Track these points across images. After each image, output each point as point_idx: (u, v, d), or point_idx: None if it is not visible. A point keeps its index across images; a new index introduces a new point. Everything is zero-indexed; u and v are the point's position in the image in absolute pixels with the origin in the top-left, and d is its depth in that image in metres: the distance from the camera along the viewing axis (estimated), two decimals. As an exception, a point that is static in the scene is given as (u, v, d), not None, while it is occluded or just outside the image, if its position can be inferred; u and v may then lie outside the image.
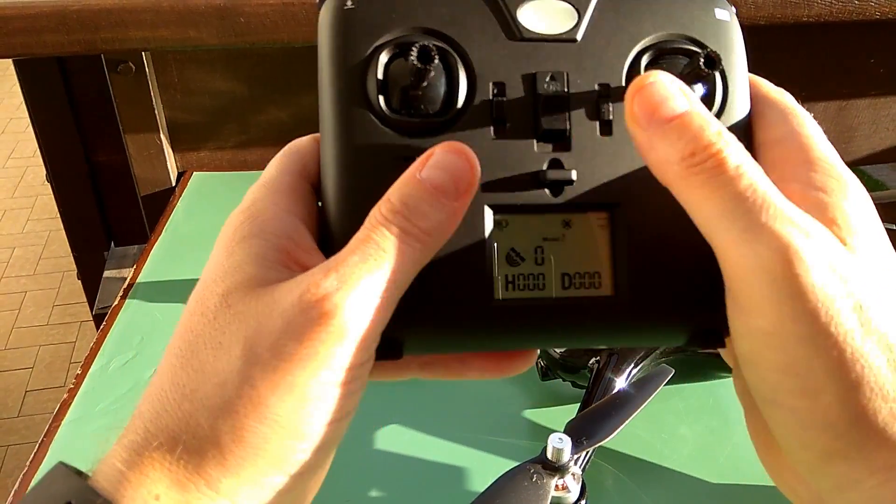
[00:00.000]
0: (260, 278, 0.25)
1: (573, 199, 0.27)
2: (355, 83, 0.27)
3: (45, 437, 0.56)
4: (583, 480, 0.45)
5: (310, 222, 0.27)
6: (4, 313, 2.11)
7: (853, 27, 0.86)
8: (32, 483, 0.24)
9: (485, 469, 0.52)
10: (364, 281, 0.24)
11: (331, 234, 0.27)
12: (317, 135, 0.28)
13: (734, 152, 0.24)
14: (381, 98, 0.27)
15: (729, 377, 0.59)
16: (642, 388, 0.49)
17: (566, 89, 0.27)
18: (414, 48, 0.25)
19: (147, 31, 0.75)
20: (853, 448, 0.23)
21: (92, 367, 0.62)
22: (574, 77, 0.27)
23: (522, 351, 0.30)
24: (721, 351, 0.29)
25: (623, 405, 0.48)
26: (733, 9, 0.30)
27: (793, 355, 0.23)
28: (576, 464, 0.45)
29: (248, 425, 0.23)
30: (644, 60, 0.28)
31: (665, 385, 0.49)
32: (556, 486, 0.44)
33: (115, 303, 0.70)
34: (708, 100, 0.28)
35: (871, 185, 1.03)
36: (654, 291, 0.27)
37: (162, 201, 0.91)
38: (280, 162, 0.28)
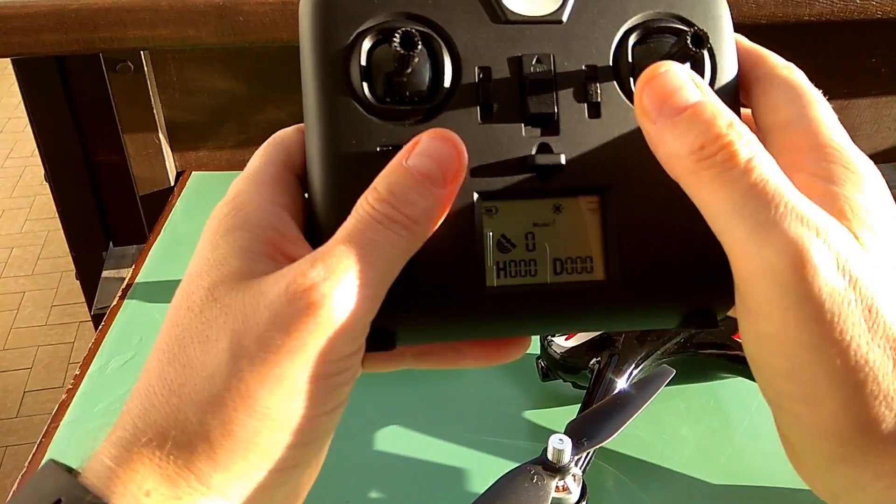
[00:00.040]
0: (246, 271, 0.24)
1: (563, 184, 0.27)
2: (338, 71, 0.26)
3: (43, 437, 0.55)
4: (583, 481, 0.45)
5: (296, 213, 0.27)
6: (3, 313, 2.11)
7: (855, 26, 0.86)
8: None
9: (485, 470, 0.52)
10: (352, 270, 0.23)
11: (318, 224, 0.26)
12: (301, 125, 0.28)
13: (746, 145, 0.23)
14: (364, 85, 0.26)
15: (730, 378, 0.59)
16: (643, 388, 0.49)
17: (553, 72, 0.27)
18: (397, 34, 0.24)
19: (146, 31, 0.74)
20: (858, 454, 0.23)
21: (90, 367, 0.62)
22: (560, 59, 0.27)
23: (516, 338, 0.30)
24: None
25: (624, 406, 0.48)
26: None
27: (796, 362, 0.23)
28: (576, 465, 0.45)
29: (238, 419, 0.23)
30: (631, 40, 0.28)
31: (666, 386, 0.49)
32: (557, 487, 0.44)
33: (114, 303, 0.70)
34: None
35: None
36: (647, 274, 0.27)
37: (161, 201, 0.91)
38: (264, 153, 0.28)
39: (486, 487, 0.43)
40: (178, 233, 0.81)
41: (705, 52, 0.27)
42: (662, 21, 0.28)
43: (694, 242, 0.26)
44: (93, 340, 0.65)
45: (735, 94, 0.28)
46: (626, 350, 0.54)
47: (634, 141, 0.27)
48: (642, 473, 0.52)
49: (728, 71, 0.28)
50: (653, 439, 0.54)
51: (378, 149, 0.26)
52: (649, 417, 0.53)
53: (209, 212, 0.27)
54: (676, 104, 0.24)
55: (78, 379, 0.61)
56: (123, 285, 0.72)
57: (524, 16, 0.27)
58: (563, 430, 0.46)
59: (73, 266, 1.13)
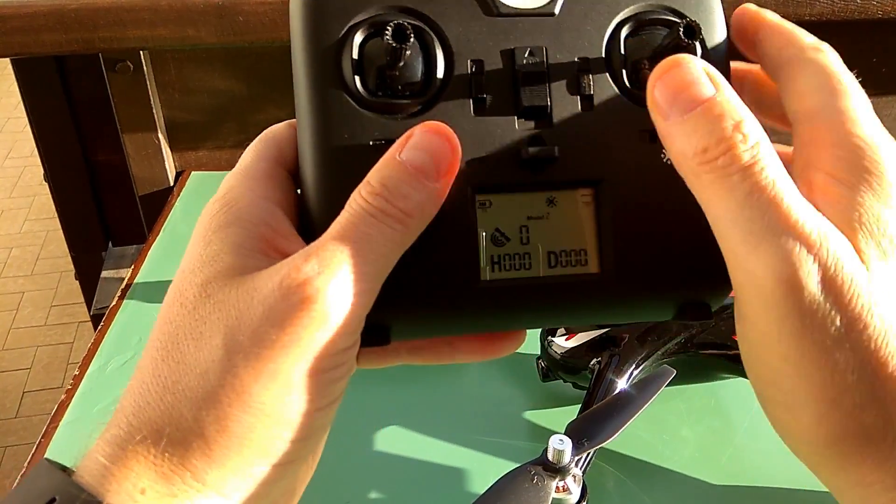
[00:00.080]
0: (239, 267, 0.24)
1: (557, 177, 0.27)
2: (330, 65, 0.26)
3: (42, 438, 0.55)
4: (584, 482, 0.45)
5: (288, 209, 0.27)
6: (2, 314, 2.11)
7: (855, 26, 0.86)
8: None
9: (485, 470, 0.52)
10: (345, 264, 0.23)
11: (311, 219, 0.26)
12: (293, 121, 0.28)
13: (748, 149, 0.22)
14: (356, 79, 0.26)
15: (731, 378, 0.59)
16: (643, 389, 0.49)
17: (545, 64, 0.27)
18: (389, 27, 0.24)
19: (145, 30, 0.74)
20: (833, 464, 0.23)
21: (90, 367, 0.62)
22: (553, 52, 0.27)
23: (511, 331, 0.30)
24: None
25: (624, 406, 0.48)
26: None
27: (778, 372, 0.23)
28: (577, 465, 0.45)
29: (232, 415, 0.23)
30: (623, 32, 0.28)
31: (666, 386, 0.49)
32: (557, 487, 0.44)
33: (113, 303, 0.70)
34: None
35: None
36: (641, 266, 0.27)
37: (160, 201, 0.90)
38: (255, 149, 0.28)
39: (486, 488, 0.43)
40: (178, 233, 0.81)
41: (697, 44, 0.27)
42: (654, 13, 0.28)
43: (688, 234, 0.26)
44: (92, 341, 0.65)
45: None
46: (626, 350, 0.54)
47: (627, 133, 0.27)
48: (643, 474, 0.52)
49: (720, 63, 0.28)
50: (653, 440, 0.54)
51: (371, 143, 0.26)
52: (650, 418, 0.52)
53: (209, 212, 0.27)
54: (687, 100, 0.23)
55: (77, 379, 0.60)
56: (123, 285, 0.72)
57: (516, 8, 0.27)
58: (563, 431, 0.46)
59: (72, 266, 1.13)
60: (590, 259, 0.27)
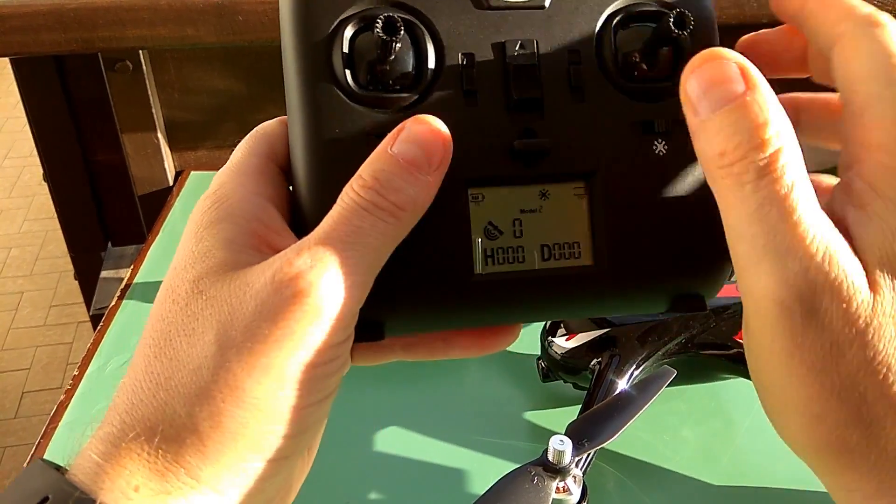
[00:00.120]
0: (231, 262, 0.24)
1: (549, 169, 0.27)
2: (320, 59, 0.26)
3: (42, 438, 0.55)
4: (584, 483, 0.45)
5: (280, 204, 0.27)
6: (1, 314, 2.11)
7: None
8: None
9: (485, 471, 0.52)
10: (338, 258, 0.23)
11: (303, 214, 0.26)
12: (284, 118, 0.28)
13: (765, 157, 0.21)
14: (347, 73, 0.26)
15: (731, 379, 0.58)
16: (644, 389, 0.49)
17: (536, 57, 0.27)
18: (379, 20, 0.24)
19: (145, 30, 0.74)
20: (820, 467, 0.23)
21: (89, 368, 0.62)
22: (544, 45, 0.27)
23: (506, 326, 0.30)
24: None
25: (625, 407, 0.47)
26: None
27: (770, 378, 0.23)
28: (577, 466, 0.45)
29: (226, 410, 0.23)
30: (614, 24, 0.28)
31: (667, 387, 0.49)
32: (557, 488, 0.44)
33: (113, 303, 0.70)
34: (679, 62, 0.28)
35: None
36: (634, 259, 0.27)
37: (159, 201, 0.90)
38: (246, 145, 0.28)
39: (487, 488, 0.43)
40: (177, 233, 0.80)
41: (688, 35, 0.27)
42: (644, 5, 0.28)
43: (681, 226, 0.26)
44: (91, 341, 0.65)
45: None
46: (626, 351, 0.54)
47: (620, 125, 0.27)
48: (643, 474, 0.52)
49: None
50: (654, 440, 0.54)
51: (362, 137, 0.26)
52: (650, 418, 0.52)
53: (209, 211, 0.26)
54: (716, 98, 0.22)
55: (76, 380, 0.60)
56: (122, 285, 0.72)
57: (507, 1, 0.27)
58: (563, 431, 0.46)
59: (71, 266, 1.13)
60: (583, 251, 0.27)
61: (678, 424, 0.56)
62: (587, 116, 0.27)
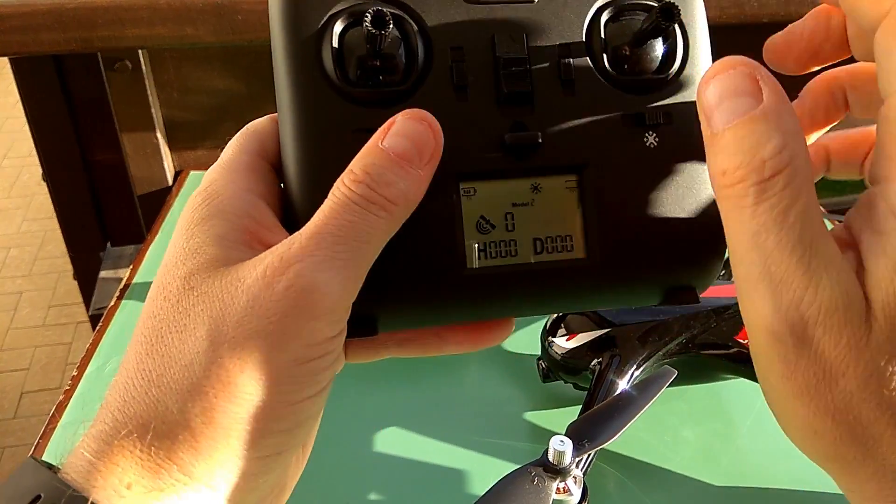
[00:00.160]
0: (222, 258, 0.24)
1: (541, 163, 0.27)
2: (310, 55, 0.26)
3: (41, 438, 0.55)
4: (584, 483, 0.45)
5: (271, 201, 0.26)
6: (0, 314, 2.11)
7: (855, 26, 0.85)
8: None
9: (485, 472, 0.52)
10: (329, 252, 0.23)
11: (294, 211, 0.26)
12: (274, 115, 0.28)
13: (763, 181, 0.21)
14: (337, 69, 0.26)
15: (732, 379, 0.58)
16: (645, 389, 0.48)
17: (526, 50, 0.27)
18: (368, 14, 0.24)
19: (144, 29, 0.74)
20: (827, 472, 0.23)
21: (88, 368, 0.61)
22: (533, 38, 0.27)
23: (499, 320, 0.30)
24: None
25: (625, 407, 0.47)
26: None
27: (770, 391, 0.23)
28: (577, 466, 0.45)
29: (219, 406, 0.22)
30: (603, 17, 0.28)
31: (668, 387, 0.49)
32: (558, 488, 0.43)
33: (112, 303, 0.69)
34: (669, 54, 0.28)
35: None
36: (627, 251, 0.27)
37: (158, 201, 0.90)
38: (237, 143, 0.28)
39: (487, 489, 0.43)
40: (177, 233, 0.80)
41: (676, 26, 0.28)
42: None
43: (673, 218, 0.26)
44: (90, 341, 0.65)
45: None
46: (627, 351, 0.53)
47: (610, 118, 0.27)
48: (644, 475, 0.52)
49: (701, 44, 0.28)
50: (654, 441, 0.54)
51: (353, 132, 0.26)
52: (651, 419, 0.52)
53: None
54: (728, 112, 0.22)
55: (75, 380, 0.60)
56: (121, 286, 0.72)
57: None
58: (564, 432, 0.46)
59: (70, 266, 1.13)
60: (576, 244, 0.27)
61: (679, 425, 0.56)
62: (578, 109, 0.27)
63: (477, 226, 0.27)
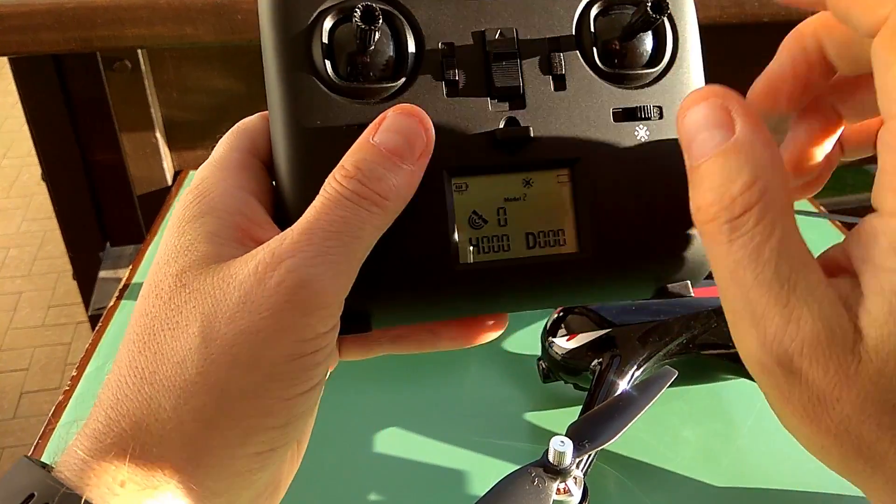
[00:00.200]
0: (214, 255, 0.24)
1: (532, 157, 0.27)
2: (300, 51, 0.26)
3: (40, 439, 0.55)
4: (585, 484, 0.45)
5: (263, 198, 0.26)
6: (0, 314, 2.11)
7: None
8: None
9: (485, 472, 0.52)
10: (321, 248, 0.23)
11: (286, 207, 0.26)
12: (265, 113, 0.28)
13: (733, 219, 0.21)
14: (327, 64, 0.26)
15: (733, 379, 0.58)
16: (645, 390, 0.48)
17: (516, 45, 0.27)
18: (357, 9, 0.24)
19: (143, 29, 0.74)
20: (844, 478, 0.23)
21: (87, 368, 0.61)
22: (523, 32, 0.27)
23: (493, 316, 0.30)
24: None
25: (626, 408, 0.47)
26: None
27: (770, 405, 0.23)
28: (578, 467, 0.45)
29: (211, 403, 0.22)
30: (593, 11, 0.28)
31: (668, 387, 0.49)
32: (558, 489, 0.43)
33: (111, 303, 0.69)
34: (658, 48, 0.28)
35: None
36: (619, 245, 0.27)
37: (158, 201, 0.90)
38: (228, 140, 0.28)
39: (487, 490, 0.43)
40: (176, 233, 0.80)
41: (665, 20, 0.28)
42: None
43: (665, 211, 0.26)
44: (90, 341, 0.65)
45: (698, 65, 0.28)
46: (627, 351, 0.53)
47: (601, 112, 0.27)
48: (644, 475, 0.52)
49: (690, 38, 0.28)
50: (655, 441, 0.54)
51: (344, 128, 0.26)
52: (651, 419, 0.52)
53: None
54: (701, 146, 0.22)
55: (75, 380, 0.60)
56: (121, 286, 0.72)
57: None
58: (564, 432, 0.46)
59: (70, 266, 1.13)
60: (568, 239, 0.27)
61: (679, 425, 0.55)
62: (568, 103, 0.27)
63: (469, 221, 0.27)
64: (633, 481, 0.51)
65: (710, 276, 0.28)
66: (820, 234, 0.74)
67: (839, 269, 0.21)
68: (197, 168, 0.28)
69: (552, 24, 0.27)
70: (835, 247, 0.22)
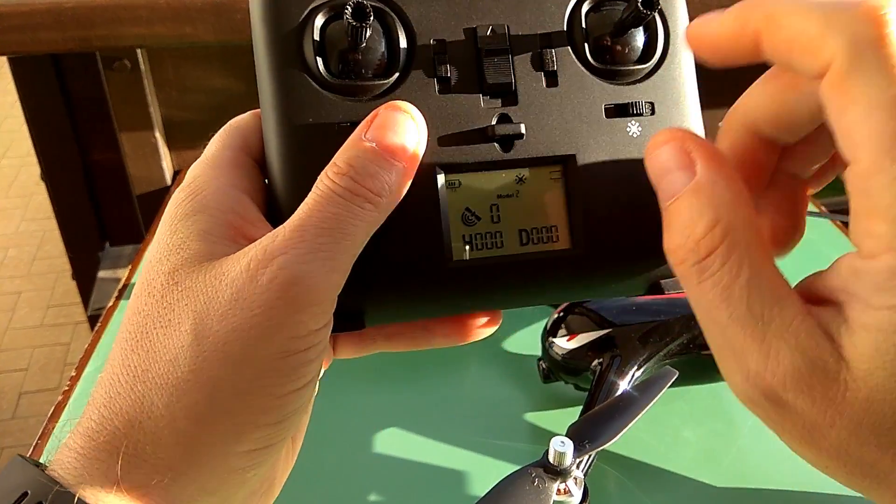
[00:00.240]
0: (206, 253, 0.24)
1: (525, 154, 0.27)
2: (292, 49, 0.26)
3: (39, 439, 0.55)
4: (585, 484, 0.45)
5: (255, 196, 0.26)
6: (-1, 314, 2.11)
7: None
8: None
9: (486, 473, 0.52)
10: (314, 244, 0.23)
11: (278, 205, 0.26)
12: (257, 111, 0.28)
13: (699, 261, 0.21)
14: (319, 62, 0.26)
15: (733, 379, 0.58)
16: (646, 390, 0.48)
17: (508, 41, 0.27)
18: (348, 6, 0.24)
19: (143, 28, 0.74)
20: (856, 491, 0.22)
21: (86, 368, 0.61)
22: (515, 29, 0.27)
23: (487, 313, 0.30)
24: None
25: (626, 408, 0.47)
26: None
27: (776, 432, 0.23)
28: (578, 467, 0.45)
29: (203, 401, 0.22)
30: (584, 8, 0.28)
31: (669, 387, 0.49)
32: (558, 490, 0.43)
33: (110, 304, 0.69)
34: (650, 44, 0.28)
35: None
36: (612, 241, 0.27)
37: (157, 200, 0.90)
38: (220, 139, 0.28)
39: (487, 490, 0.43)
40: (175, 233, 0.80)
41: (657, 16, 0.28)
42: None
43: (657, 207, 0.26)
44: (89, 342, 0.65)
45: (689, 60, 0.28)
46: (628, 352, 0.53)
47: (593, 108, 0.27)
48: (645, 476, 0.52)
49: (682, 34, 0.28)
50: (655, 442, 0.54)
51: (336, 125, 0.26)
52: (652, 419, 0.52)
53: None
54: (664, 191, 0.23)
55: (74, 380, 0.60)
56: (120, 285, 0.72)
57: None
58: (564, 433, 0.45)
59: (69, 266, 1.13)
60: (561, 235, 0.27)
61: (680, 425, 0.55)
62: (561, 100, 0.27)
63: (462, 218, 0.27)
64: (633, 482, 0.51)
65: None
66: (820, 234, 0.74)
67: (820, 298, 0.21)
68: (195, 167, 0.28)
69: (544, 20, 0.27)
70: (814, 275, 0.22)
